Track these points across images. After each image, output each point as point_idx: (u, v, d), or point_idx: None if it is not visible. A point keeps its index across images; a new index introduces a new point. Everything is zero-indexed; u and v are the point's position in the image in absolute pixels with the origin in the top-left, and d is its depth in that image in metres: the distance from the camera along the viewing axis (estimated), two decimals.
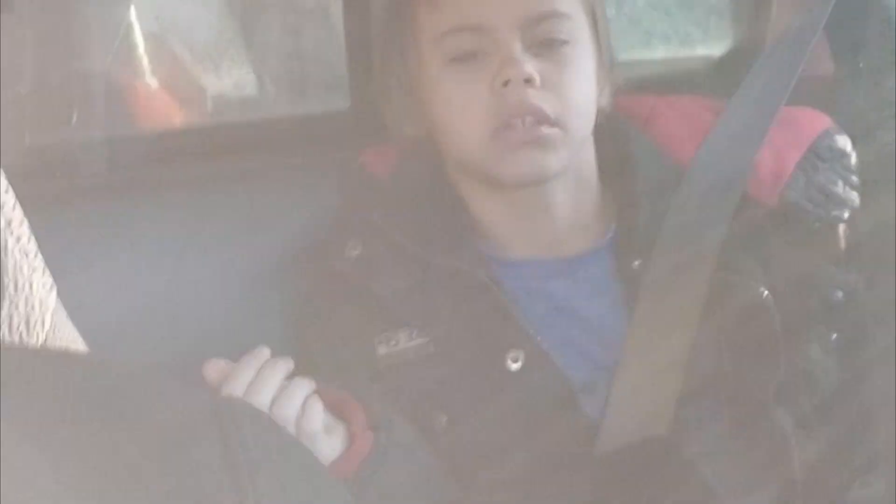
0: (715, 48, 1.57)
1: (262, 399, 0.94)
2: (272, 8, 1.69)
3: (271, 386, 0.95)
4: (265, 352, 0.98)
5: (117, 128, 1.47)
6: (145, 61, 1.58)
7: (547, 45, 1.06)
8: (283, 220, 1.24)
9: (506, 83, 1.03)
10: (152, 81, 1.60)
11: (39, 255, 0.51)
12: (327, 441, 0.97)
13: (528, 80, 1.03)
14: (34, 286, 0.49)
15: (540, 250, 1.10)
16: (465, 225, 1.11)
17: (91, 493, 0.39)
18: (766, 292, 1.06)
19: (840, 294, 1.09)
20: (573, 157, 1.08)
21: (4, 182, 0.50)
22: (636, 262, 1.07)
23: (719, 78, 1.47)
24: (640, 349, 1.05)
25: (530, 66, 1.04)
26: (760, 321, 1.05)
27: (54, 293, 0.50)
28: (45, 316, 0.48)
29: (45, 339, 0.48)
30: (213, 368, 0.97)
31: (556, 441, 1.04)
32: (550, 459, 1.04)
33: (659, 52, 1.64)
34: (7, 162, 1.26)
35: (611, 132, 1.13)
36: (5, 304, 0.46)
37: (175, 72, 1.63)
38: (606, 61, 1.12)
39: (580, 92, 1.07)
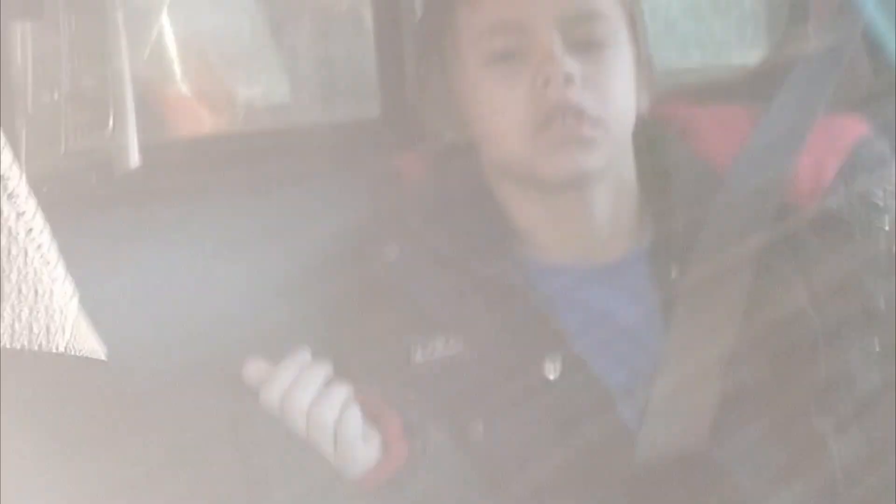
0: (750, 56, 1.56)
1: (302, 402, 0.94)
2: (303, 15, 1.70)
3: (311, 389, 0.95)
4: (306, 354, 0.98)
5: (150, 134, 1.48)
6: (177, 68, 1.59)
7: (586, 46, 1.06)
8: (313, 226, 1.24)
9: (546, 82, 1.03)
10: (184, 88, 1.60)
11: (61, 263, 0.50)
12: (363, 449, 0.96)
13: (568, 79, 1.03)
14: (55, 294, 0.48)
15: (578, 256, 1.09)
16: (502, 230, 1.10)
17: (111, 496, 0.38)
18: (806, 300, 1.04)
19: (882, 302, 1.07)
20: (613, 160, 1.07)
21: (26, 188, 0.50)
22: (674, 269, 1.06)
23: (755, 86, 1.46)
24: (678, 357, 1.04)
25: (571, 65, 1.03)
26: (800, 329, 1.04)
27: (75, 302, 0.50)
28: (65, 325, 0.48)
29: (66, 348, 0.47)
30: (254, 368, 0.97)
31: (593, 449, 1.03)
32: (588, 468, 1.03)
33: (694, 60, 1.63)
34: (42, 167, 1.27)
35: (649, 138, 1.13)
36: (25, 312, 0.46)
37: (206, 78, 1.63)
38: (645, 65, 1.11)
39: (620, 94, 1.07)
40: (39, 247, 0.47)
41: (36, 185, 0.53)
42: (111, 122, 1.44)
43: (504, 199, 1.11)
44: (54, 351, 0.46)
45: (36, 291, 0.47)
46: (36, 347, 0.44)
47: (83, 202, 1.23)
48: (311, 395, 0.94)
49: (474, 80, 1.07)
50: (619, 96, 1.06)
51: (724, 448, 1.01)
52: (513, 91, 1.04)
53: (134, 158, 1.40)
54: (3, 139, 0.51)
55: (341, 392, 0.96)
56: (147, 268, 1.18)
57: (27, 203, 0.50)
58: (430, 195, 1.13)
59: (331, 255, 1.21)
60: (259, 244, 1.22)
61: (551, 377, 1.04)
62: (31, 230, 0.46)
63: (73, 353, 0.47)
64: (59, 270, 0.50)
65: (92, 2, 1.39)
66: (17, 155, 0.52)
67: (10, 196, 0.49)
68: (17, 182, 0.50)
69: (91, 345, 0.52)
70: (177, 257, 1.20)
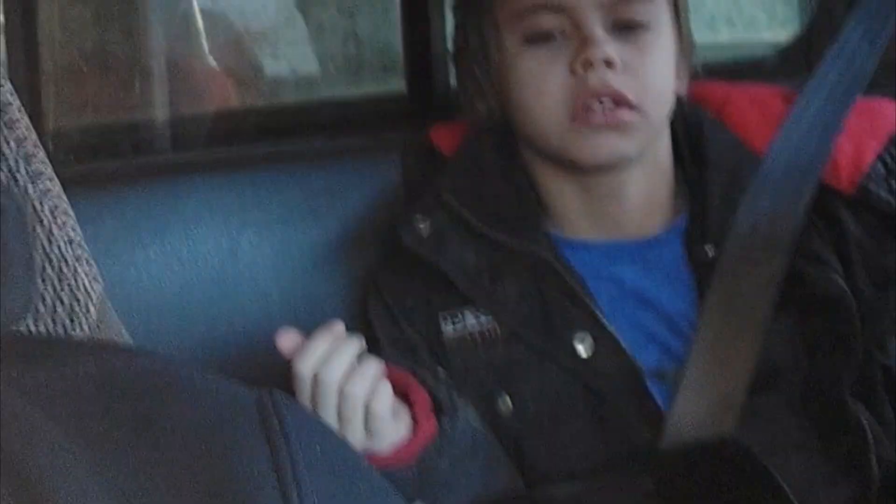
0: (780, 32, 1.54)
1: (334, 374, 0.94)
2: None
3: (344, 362, 0.94)
4: (340, 326, 0.97)
5: (176, 107, 1.48)
6: (205, 41, 1.59)
7: (628, 29, 1.05)
8: (339, 201, 1.24)
9: (586, 66, 1.02)
10: (212, 61, 1.60)
11: (84, 245, 0.51)
12: (393, 424, 0.96)
13: (609, 63, 1.02)
14: (79, 275, 0.49)
15: (610, 234, 1.09)
16: (534, 206, 1.10)
17: (135, 484, 0.38)
18: (843, 284, 1.03)
19: None
20: (649, 143, 1.07)
21: (49, 170, 0.50)
22: (709, 249, 1.06)
23: (788, 63, 1.44)
24: (710, 338, 1.03)
25: (611, 49, 1.02)
26: (837, 313, 1.03)
27: (99, 284, 0.50)
28: (89, 306, 0.48)
29: (89, 331, 0.48)
30: (287, 339, 0.97)
31: (622, 427, 1.03)
32: (616, 446, 1.03)
33: (723, 36, 1.62)
34: (66, 141, 1.27)
35: (685, 118, 1.12)
36: (49, 294, 0.46)
37: (234, 52, 1.63)
38: (686, 47, 1.10)
39: (660, 77, 1.06)
40: (63, 226, 0.47)
41: (61, 158, 0.53)
42: (139, 94, 1.44)
43: (537, 176, 1.10)
44: (79, 331, 0.46)
45: (61, 272, 0.47)
46: (60, 331, 0.45)
47: (110, 175, 1.24)
48: (343, 368, 0.94)
49: (513, 59, 1.06)
50: (658, 80, 1.06)
51: (755, 433, 1.01)
52: (552, 73, 1.04)
53: (161, 131, 1.41)
54: (26, 121, 0.51)
55: (373, 367, 0.96)
56: (170, 242, 1.18)
57: (52, 182, 0.50)
58: (463, 169, 1.12)
59: (358, 228, 1.21)
60: (283, 219, 1.23)
61: (581, 353, 1.04)
62: (55, 210, 0.46)
63: (96, 336, 0.47)
64: (83, 251, 0.50)
65: None
66: (43, 128, 0.53)
67: (34, 175, 0.49)
68: (42, 163, 0.50)
69: (115, 327, 0.53)
70: (199, 231, 1.20)
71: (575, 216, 1.09)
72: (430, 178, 1.14)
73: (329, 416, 0.93)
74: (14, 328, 0.42)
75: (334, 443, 0.43)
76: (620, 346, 1.04)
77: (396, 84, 1.46)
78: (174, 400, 0.40)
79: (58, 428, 0.38)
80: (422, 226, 1.09)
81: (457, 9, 1.15)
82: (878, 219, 1.07)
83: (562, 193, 1.09)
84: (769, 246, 1.04)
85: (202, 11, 1.57)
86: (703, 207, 1.08)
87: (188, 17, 1.55)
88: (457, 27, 1.14)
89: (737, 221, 1.05)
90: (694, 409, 1.02)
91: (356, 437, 0.94)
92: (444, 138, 1.17)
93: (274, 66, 1.65)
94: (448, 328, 1.07)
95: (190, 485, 0.38)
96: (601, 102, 1.02)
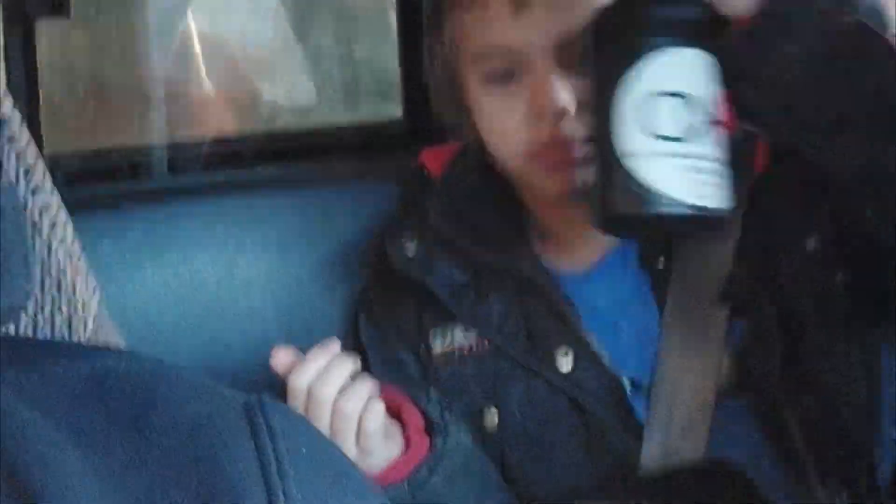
0: None
1: (329, 391, 0.95)
2: (326, 15, 1.71)
3: (338, 378, 0.96)
4: (336, 345, 0.99)
5: (174, 132, 1.49)
6: (203, 67, 1.60)
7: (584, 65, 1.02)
8: (335, 225, 1.25)
9: (539, 115, 1.01)
10: (209, 87, 1.61)
11: (83, 258, 0.51)
12: (384, 442, 0.97)
13: (562, 111, 1.00)
14: (77, 288, 0.49)
15: (581, 257, 1.10)
16: (517, 225, 1.11)
17: (126, 482, 0.39)
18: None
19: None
20: None
21: (50, 183, 0.51)
22: (661, 261, 1.06)
23: None
24: (673, 347, 1.04)
25: (565, 93, 1.00)
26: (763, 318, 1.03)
27: (97, 297, 0.51)
28: (87, 319, 0.49)
29: (87, 341, 0.49)
30: (282, 356, 0.98)
31: (606, 441, 1.04)
32: (601, 458, 1.04)
33: None
34: (65, 164, 1.28)
35: None
36: (48, 304, 0.47)
37: (232, 78, 1.64)
38: None
39: None
40: (63, 240, 0.48)
41: (59, 182, 0.54)
42: (137, 119, 1.45)
43: (519, 196, 1.11)
44: (65, 342, 0.47)
45: (59, 284, 0.48)
46: (59, 339, 0.46)
47: (107, 199, 1.25)
48: (337, 385, 0.95)
49: (476, 97, 1.05)
50: None
51: (728, 440, 1.02)
52: (508, 115, 1.03)
53: (156, 156, 1.41)
54: (27, 135, 0.52)
55: (366, 385, 0.97)
56: (166, 266, 1.19)
57: (51, 198, 0.51)
58: (448, 190, 1.13)
59: (357, 253, 1.22)
60: (278, 243, 1.24)
61: (564, 369, 1.05)
62: (54, 225, 0.47)
63: (84, 344, 0.48)
64: (82, 265, 0.51)
65: (120, 1, 1.41)
66: (41, 150, 0.54)
67: (34, 190, 0.50)
68: (42, 177, 0.51)
69: (113, 339, 0.54)
70: (195, 255, 1.21)
71: (552, 238, 1.10)
72: (420, 199, 1.15)
73: (322, 432, 0.94)
74: (8, 330, 0.43)
75: (320, 444, 0.44)
76: (600, 359, 1.05)
77: (393, 110, 1.47)
78: (164, 399, 0.41)
79: (50, 426, 0.38)
80: (409, 246, 1.10)
81: (426, 30, 1.15)
82: None
83: (543, 215, 1.10)
84: (715, 252, 1.04)
85: (200, 36, 1.58)
86: None
87: (186, 43, 1.57)
88: (426, 49, 1.14)
89: None
90: (666, 418, 1.02)
91: (348, 453, 0.95)
92: (433, 161, 1.18)
93: (271, 92, 1.66)
94: (437, 343, 1.09)
95: (179, 483, 0.39)
96: (555, 147, 1.01)
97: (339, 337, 1.19)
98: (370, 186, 1.28)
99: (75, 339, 0.48)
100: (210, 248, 1.22)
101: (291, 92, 1.69)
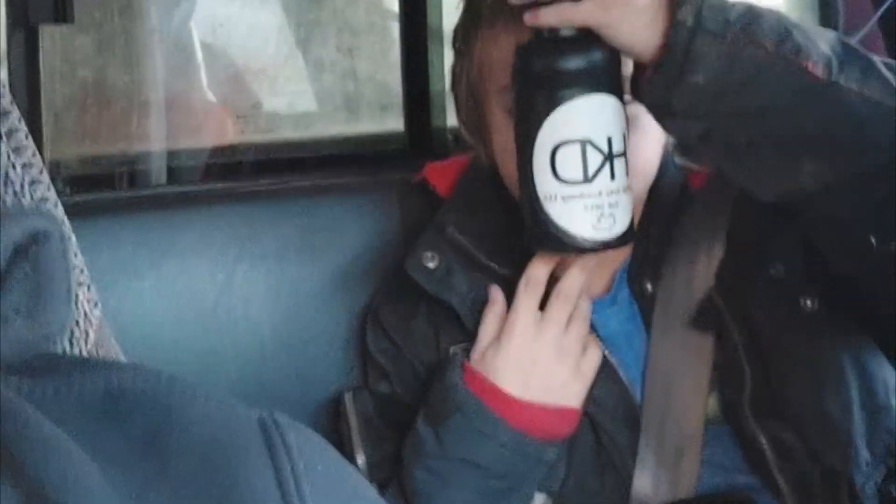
0: None
1: (575, 286, 1.03)
2: (329, 27, 1.70)
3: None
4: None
5: (174, 141, 1.49)
6: (205, 76, 1.60)
7: None
8: (334, 237, 1.24)
9: None
10: (211, 96, 1.61)
11: (86, 271, 0.51)
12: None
13: None
14: (80, 300, 0.49)
15: (596, 283, 1.09)
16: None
17: (143, 499, 0.39)
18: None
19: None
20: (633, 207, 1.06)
21: (54, 194, 0.50)
22: (649, 285, 1.06)
23: None
24: (660, 371, 1.04)
25: None
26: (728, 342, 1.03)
27: (98, 309, 0.51)
28: (89, 331, 0.49)
29: (88, 353, 0.48)
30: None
31: (620, 459, 1.04)
32: (612, 479, 1.04)
33: None
34: (64, 171, 1.28)
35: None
36: None
37: (233, 87, 1.64)
38: None
39: (642, 152, 1.04)
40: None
41: (59, 188, 0.54)
42: (137, 127, 1.45)
43: None
44: (76, 356, 0.46)
45: None
46: (60, 351, 0.45)
47: (106, 206, 1.24)
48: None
49: (496, 128, 1.05)
50: (640, 156, 1.03)
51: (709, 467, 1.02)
52: None
53: (155, 165, 1.41)
54: (33, 146, 0.51)
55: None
56: (165, 275, 1.19)
57: (55, 209, 0.50)
58: (465, 205, 1.13)
59: (356, 266, 1.21)
60: (277, 253, 1.23)
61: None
62: (63, 237, 0.47)
63: (95, 358, 0.47)
64: (84, 277, 0.51)
65: (124, 7, 1.40)
66: (42, 158, 0.53)
67: (38, 201, 0.50)
68: (46, 187, 0.51)
69: (113, 351, 0.53)
70: (194, 264, 1.20)
71: (566, 261, 1.09)
72: (428, 215, 1.14)
73: (553, 324, 1.01)
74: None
75: (336, 462, 0.44)
76: (619, 375, 1.05)
77: (394, 123, 1.47)
78: (179, 416, 0.41)
79: (70, 441, 0.38)
80: (430, 261, 1.09)
81: (454, 51, 1.14)
82: None
83: None
84: (699, 278, 1.04)
85: (202, 46, 1.58)
86: (644, 245, 1.08)
87: (188, 52, 1.56)
88: (452, 70, 1.13)
89: (669, 255, 1.06)
90: (657, 442, 1.03)
91: (565, 368, 1.00)
92: (438, 176, 1.17)
93: (272, 102, 1.66)
94: (456, 360, 1.07)
95: (197, 501, 0.39)
96: None
97: (337, 352, 1.19)
98: (371, 199, 1.28)
99: (76, 352, 0.47)
100: (208, 258, 1.21)
101: (293, 102, 1.69)
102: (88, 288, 0.50)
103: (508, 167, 1.05)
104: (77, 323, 0.47)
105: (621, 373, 1.05)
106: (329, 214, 1.26)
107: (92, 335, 0.48)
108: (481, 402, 1.01)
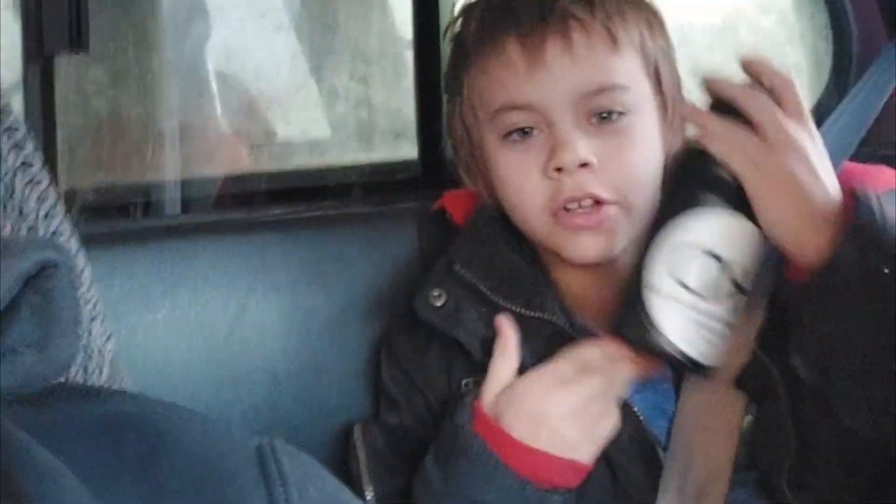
0: None
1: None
2: (343, 55, 1.71)
3: None
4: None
5: (188, 170, 1.49)
6: (218, 104, 1.60)
7: (604, 117, 1.02)
8: (348, 267, 1.24)
9: (560, 169, 1.00)
10: (224, 124, 1.61)
11: (100, 303, 0.51)
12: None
13: (583, 165, 1.00)
14: (93, 334, 0.49)
15: (604, 315, 1.08)
16: (542, 277, 1.09)
17: None
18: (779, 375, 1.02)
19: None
20: (636, 228, 1.05)
21: (69, 228, 0.50)
22: None
23: None
24: (689, 416, 1.02)
25: (585, 149, 1.00)
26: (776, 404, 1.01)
27: (112, 343, 0.50)
28: (102, 366, 0.49)
29: (101, 387, 0.48)
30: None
31: (636, 498, 1.03)
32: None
33: None
34: (79, 199, 1.28)
35: (676, 195, 1.10)
36: None
37: (246, 116, 1.64)
38: (675, 118, 1.07)
39: (641, 163, 1.03)
40: (79, 286, 0.47)
41: (73, 218, 0.54)
42: (151, 156, 1.45)
43: (539, 254, 1.10)
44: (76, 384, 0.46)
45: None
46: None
47: (120, 235, 1.24)
48: None
49: (493, 154, 1.05)
50: (640, 168, 1.02)
51: None
52: (529, 172, 1.02)
53: (169, 193, 1.41)
54: (48, 178, 0.51)
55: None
56: (177, 304, 1.18)
57: (70, 241, 0.50)
58: (473, 240, 1.12)
59: (369, 297, 1.21)
60: (291, 283, 1.23)
61: None
62: (72, 268, 0.46)
63: (94, 386, 0.47)
64: (99, 309, 0.50)
65: (138, 37, 1.41)
66: (57, 187, 0.53)
67: (54, 234, 0.50)
68: (61, 220, 0.51)
69: (124, 383, 0.53)
70: (207, 294, 1.20)
71: (576, 297, 1.09)
72: (444, 244, 1.14)
73: (577, 396, 0.97)
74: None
75: (332, 490, 0.44)
76: (636, 414, 1.03)
77: (408, 151, 1.47)
78: (174, 441, 0.41)
79: (66, 467, 0.38)
80: (437, 297, 1.08)
81: (445, 90, 1.14)
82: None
83: (563, 275, 1.09)
84: (741, 336, 1.03)
85: (216, 75, 1.58)
86: None
87: (202, 81, 1.57)
88: (446, 109, 1.13)
89: None
90: (680, 484, 1.01)
91: (578, 429, 0.97)
92: (456, 205, 1.17)
93: (286, 131, 1.66)
94: (469, 395, 1.06)
95: None
96: (579, 205, 1.00)
97: (350, 382, 1.18)
98: (384, 228, 1.27)
99: (90, 384, 0.47)
100: (221, 287, 1.21)
101: (307, 131, 1.69)
102: (102, 321, 0.50)
103: (508, 194, 1.04)
104: (90, 357, 0.47)
105: (636, 407, 1.04)
106: (342, 243, 1.25)
107: (105, 370, 0.48)
108: (487, 447, 0.98)
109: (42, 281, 0.41)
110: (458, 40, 1.09)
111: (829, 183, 0.91)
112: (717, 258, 0.91)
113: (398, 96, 1.64)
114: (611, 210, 1.01)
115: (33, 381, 0.40)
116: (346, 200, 1.38)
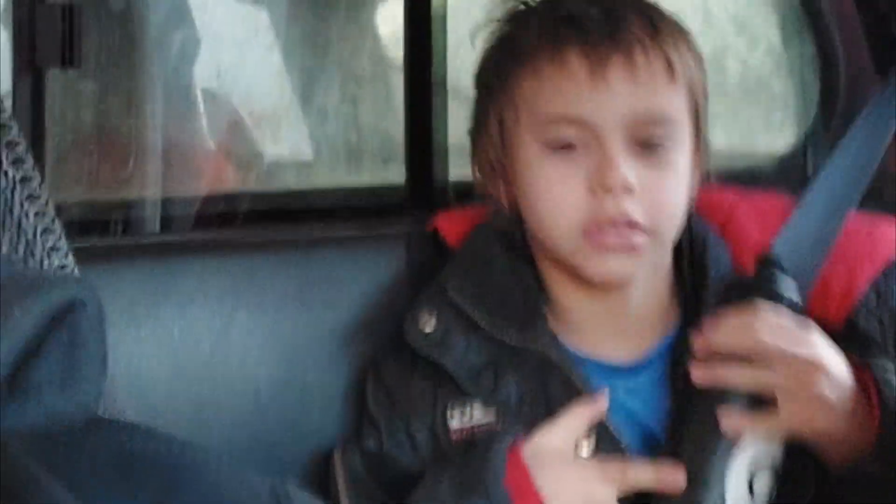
0: (777, 142, 1.55)
1: None
2: (331, 76, 1.70)
3: None
4: None
5: (173, 188, 1.48)
6: (205, 122, 1.59)
7: (649, 147, 1.03)
8: (334, 289, 1.23)
9: (603, 188, 1.01)
10: (210, 143, 1.60)
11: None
12: None
13: (627, 188, 1.01)
14: None
15: (607, 346, 1.08)
16: (540, 305, 1.09)
17: None
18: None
19: None
20: (657, 259, 1.06)
21: (64, 246, 0.50)
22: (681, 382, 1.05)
23: (784, 173, 1.46)
24: (686, 455, 1.02)
25: (632, 173, 1.01)
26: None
27: (106, 364, 0.50)
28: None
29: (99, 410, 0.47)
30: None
31: None
32: None
33: (719, 142, 1.63)
34: (64, 216, 1.27)
35: (691, 230, 1.10)
36: None
37: (233, 134, 1.64)
38: (703, 159, 1.09)
39: (675, 198, 1.05)
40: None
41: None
42: (136, 173, 1.44)
43: (544, 276, 1.09)
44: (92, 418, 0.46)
45: None
46: None
47: (104, 253, 1.23)
48: None
49: (531, 163, 1.05)
50: (673, 201, 1.04)
51: None
52: (569, 186, 1.02)
53: (156, 211, 1.40)
54: (46, 195, 0.51)
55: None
56: (160, 325, 1.17)
57: (67, 258, 0.49)
58: (469, 264, 1.11)
59: (355, 320, 1.20)
60: (276, 305, 1.22)
61: (584, 454, 1.03)
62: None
63: (105, 414, 0.47)
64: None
65: (126, 53, 1.40)
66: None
67: (50, 250, 0.49)
68: (59, 236, 0.50)
69: (118, 402, 0.52)
70: (190, 315, 1.19)
71: (578, 322, 1.08)
72: (433, 268, 1.13)
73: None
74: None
75: None
76: (621, 446, 1.03)
77: (396, 174, 1.46)
78: (190, 481, 0.40)
79: (79, 502, 0.37)
80: (426, 322, 1.08)
81: (478, 91, 1.14)
82: (867, 355, 1.04)
83: (567, 298, 1.09)
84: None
85: (203, 92, 1.58)
86: (691, 324, 1.06)
87: (189, 98, 1.56)
88: (476, 110, 1.12)
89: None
90: None
91: None
92: (449, 228, 1.16)
93: (273, 151, 1.66)
94: (454, 421, 1.06)
95: None
96: (616, 227, 1.01)
97: (334, 405, 1.17)
98: (371, 250, 1.27)
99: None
100: (205, 307, 1.20)
101: (293, 151, 1.68)
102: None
103: (540, 204, 1.04)
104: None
105: (617, 436, 1.03)
106: (328, 266, 1.25)
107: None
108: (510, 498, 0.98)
109: (70, 317, 0.41)
110: (509, 43, 1.07)
111: (843, 375, 0.96)
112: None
113: (388, 119, 1.64)
114: (642, 237, 1.02)
115: (57, 418, 0.40)
116: (332, 222, 1.37)
